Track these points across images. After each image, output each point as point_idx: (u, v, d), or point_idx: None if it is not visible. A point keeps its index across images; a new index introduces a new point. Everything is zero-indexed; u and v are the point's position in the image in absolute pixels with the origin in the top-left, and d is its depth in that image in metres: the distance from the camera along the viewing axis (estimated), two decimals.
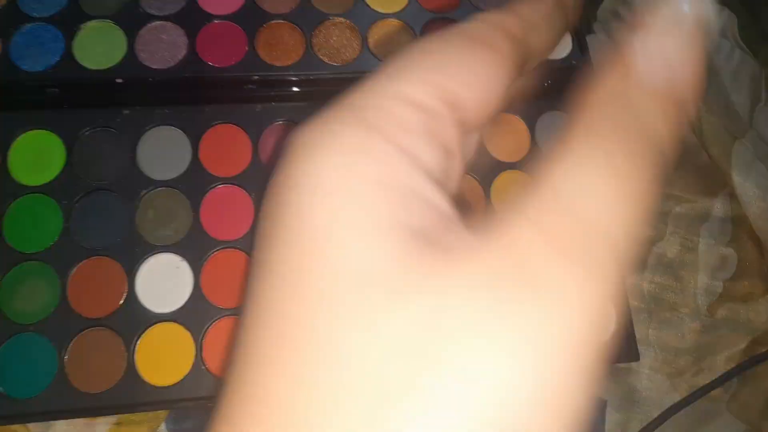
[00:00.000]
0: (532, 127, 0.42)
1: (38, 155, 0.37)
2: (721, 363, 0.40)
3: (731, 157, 0.42)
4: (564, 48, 0.42)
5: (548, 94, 0.42)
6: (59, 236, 0.36)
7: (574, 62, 0.42)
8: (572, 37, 0.42)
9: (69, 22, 0.39)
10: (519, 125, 0.42)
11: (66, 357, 0.34)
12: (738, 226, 0.43)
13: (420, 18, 0.42)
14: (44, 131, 0.38)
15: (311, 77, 0.39)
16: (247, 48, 0.39)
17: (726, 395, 0.40)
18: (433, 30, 0.42)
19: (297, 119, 0.40)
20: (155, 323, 0.35)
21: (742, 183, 0.41)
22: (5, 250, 0.36)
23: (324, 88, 0.40)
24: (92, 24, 0.39)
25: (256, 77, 0.39)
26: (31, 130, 0.38)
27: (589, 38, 0.46)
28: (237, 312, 0.36)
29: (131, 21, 0.39)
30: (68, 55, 0.38)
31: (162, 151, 0.38)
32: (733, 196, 0.43)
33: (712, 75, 0.44)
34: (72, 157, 0.37)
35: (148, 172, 0.38)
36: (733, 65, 0.44)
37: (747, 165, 0.41)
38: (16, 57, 0.38)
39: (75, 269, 0.36)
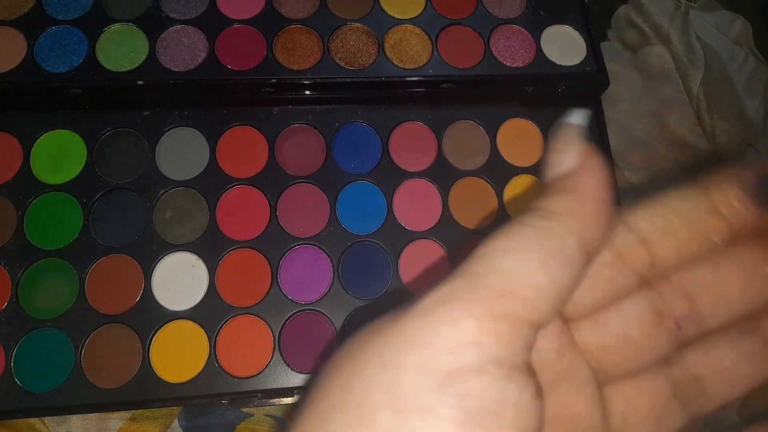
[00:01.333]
0: (545, 133, 0.42)
1: (60, 154, 0.38)
2: None
3: (745, 164, 0.42)
4: (578, 54, 0.43)
5: (562, 99, 0.43)
6: (78, 234, 0.37)
7: (588, 69, 0.42)
8: (586, 43, 0.43)
9: (93, 25, 0.40)
10: (533, 130, 0.42)
11: (82, 352, 0.35)
12: None
13: (436, 24, 0.42)
14: (66, 131, 0.39)
15: (328, 81, 0.40)
16: (265, 52, 0.40)
17: (737, 401, 0.40)
18: (448, 38, 0.42)
19: (313, 122, 0.40)
20: (170, 321, 0.36)
21: None
22: (26, 246, 0.36)
23: (340, 92, 0.41)
24: (115, 27, 0.40)
25: (274, 80, 0.39)
26: (53, 129, 0.39)
27: (603, 45, 0.47)
28: (250, 311, 0.36)
29: (153, 24, 0.40)
30: (91, 57, 0.39)
31: (180, 152, 0.39)
32: None
33: (725, 82, 0.44)
34: (93, 156, 0.38)
35: (166, 172, 0.38)
36: (747, 73, 0.44)
37: None
38: (40, 58, 0.38)
39: (93, 266, 0.36)
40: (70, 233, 0.37)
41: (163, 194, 0.38)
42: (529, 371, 0.18)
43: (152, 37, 0.40)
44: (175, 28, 0.40)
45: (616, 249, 0.20)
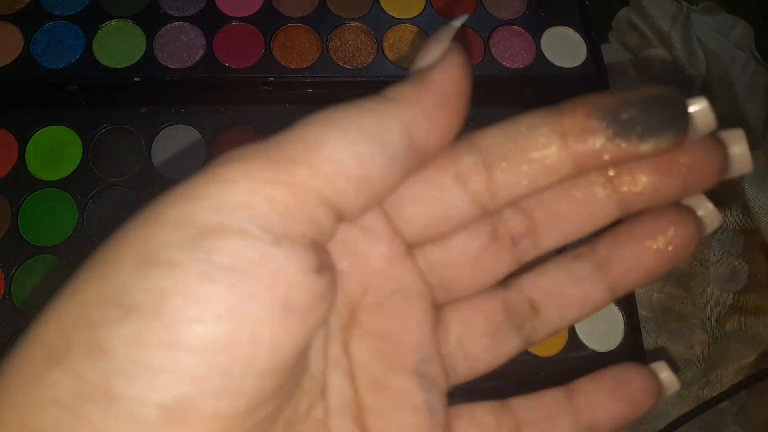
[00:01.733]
0: None
1: (55, 151, 0.38)
2: (729, 375, 0.40)
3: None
4: (578, 57, 0.42)
5: (562, 101, 0.43)
6: (73, 231, 0.37)
7: (587, 71, 0.42)
8: (586, 45, 0.42)
9: (90, 21, 0.39)
10: None
11: None
12: (750, 238, 0.43)
13: (435, 24, 0.42)
14: (62, 127, 0.38)
15: (326, 80, 0.40)
16: (263, 50, 0.40)
17: (733, 408, 0.40)
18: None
19: None
20: None
21: (755, 195, 0.41)
22: (20, 243, 0.36)
23: (339, 91, 0.40)
24: (113, 23, 0.40)
25: (272, 79, 0.39)
26: (49, 125, 0.38)
27: (604, 47, 0.47)
28: None
29: (151, 21, 0.40)
30: (88, 54, 0.39)
31: (177, 150, 0.39)
32: (745, 208, 0.43)
33: (725, 86, 0.44)
34: (88, 153, 0.38)
35: (162, 170, 0.38)
36: (748, 77, 0.44)
37: (760, 177, 0.41)
38: (37, 54, 0.38)
39: None
40: (64, 230, 0.37)
41: (158, 192, 0.38)
42: (314, 248, 0.16)
43: (150, 34, 0.39)
44: (172, 25, 0.40)
45: (457, 167, 0.19)
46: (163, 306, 0.14)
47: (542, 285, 0.20)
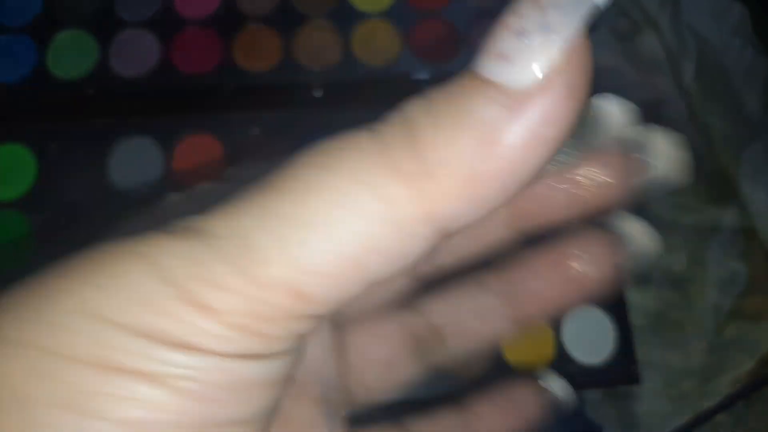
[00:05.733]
0: None
1: (9, 169, 0.36)
2: (727, 385, 0.38)
3: (741, 165, 0.39)
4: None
5: None
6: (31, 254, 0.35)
7: None
8: None
9: (42, 31, 0.38)
10: None
11: None
12: (749, 238, 0.40)
13: (408, 18, 0.39)
14: (15, 145, 0.37)
15: (291, 83, 0.38)
16: (223, 53, 0.38)
17: (730, 420, 0.37)
18: (422, 32, 0.39)
19: (276, 128, 0.38)
20: None
21: (752, 192, 0.38)
22: None
23: (304, 95, 0.38)
24: (65, 33, 0.38)
25: (233, 84, 0.37)
26: (1, 143, 0.37)
27: (591, 34, 0.44)
28: None
29: (105, 28, 0.38)
30: (41, 66, 0.37)
31: (135, 162, 0.37)
32: (744, 206, 0.40)
33: (719, 75, 0.41)
34: (44, 170, 0.36)
35: (119, 184, 0.37)
36: (744, 64, 0.41)
37: (758, 173, 0.39)
38: None
39: None
40: (21, 253, 0.35)
41: (117, 210, 0.36)
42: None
43: (104, 42, 0.38)
44: (127, 31, 0.38)
45: None
46: None
47: (448, 312, 0.19)
